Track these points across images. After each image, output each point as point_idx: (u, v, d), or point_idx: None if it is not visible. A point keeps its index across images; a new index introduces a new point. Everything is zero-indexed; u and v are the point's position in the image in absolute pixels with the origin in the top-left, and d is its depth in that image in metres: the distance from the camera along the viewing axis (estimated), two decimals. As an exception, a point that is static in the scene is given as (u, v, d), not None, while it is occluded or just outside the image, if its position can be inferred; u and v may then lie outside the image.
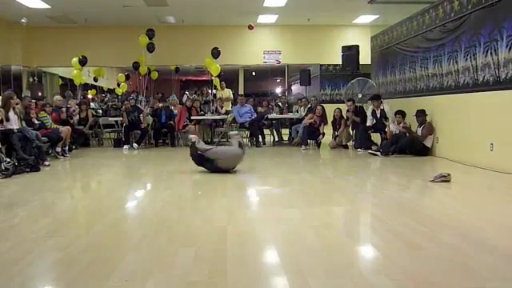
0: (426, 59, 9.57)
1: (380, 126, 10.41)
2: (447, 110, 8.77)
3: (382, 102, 10.57)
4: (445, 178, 6.07)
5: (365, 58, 13.00)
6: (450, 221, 4.20)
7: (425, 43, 9.61)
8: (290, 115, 12.72)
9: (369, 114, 10.76)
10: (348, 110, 11.34)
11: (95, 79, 18.89)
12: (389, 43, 11.69)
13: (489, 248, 3.38)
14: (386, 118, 10.26)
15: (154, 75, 17.76)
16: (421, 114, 9.20)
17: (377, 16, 14.22)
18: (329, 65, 16.51)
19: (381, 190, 6.01)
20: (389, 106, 10.54)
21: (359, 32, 15.31)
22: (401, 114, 9.64)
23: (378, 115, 10.49)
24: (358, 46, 12.63)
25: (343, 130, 11.31)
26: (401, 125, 9.49)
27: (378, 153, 9.32)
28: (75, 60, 14.00)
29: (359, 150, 10.36)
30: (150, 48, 14.00)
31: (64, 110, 11.32)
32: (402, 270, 2.92)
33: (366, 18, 14.67)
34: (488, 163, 7.26)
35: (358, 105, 11.55)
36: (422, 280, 2.77)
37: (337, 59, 14.18)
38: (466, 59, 8.02)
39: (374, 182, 6.92)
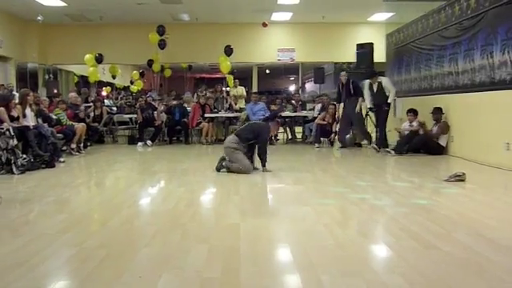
0: (441, 57, 9.49)
1: (378, 101, 10.01)
2: (463, 108, 8.69)
3: (377, 77, 10.16)
4: (459, 178, 6.02)
5: (379, 55, 12.92)
6: (464, 220, 4.16)
7: (441, 41, 9.53)
8: (304, 113, 12.69)
9: (366, 91, 10.31)
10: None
11: (113, 77, 19.00)
12: (404, 41, 11.62)
13: (503, 248, 3.35)
14: (385, 94, 9.89)
15: (168, 73, 17.83)
16: (437, 112, 9.13)
17: (392, 14, 14.11)
18: (343, 63, 16.42)
19: (394, 188, 5.97)
20: (387, 79, 10.31)
21: (374, 30, 15.19)
22: (412, 112, 9.59)
23: (375, 89, 10.04)
24: (372, 44, 12.56)
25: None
26: (413, 123, 9.44)
27: (392, 151, 9.26)
28: (88, 57, 14.09)
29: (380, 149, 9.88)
30: (162, 45, 14.03)
31: (82, 108, 11.39)
32: (415, 269, 2.91)
33: (381, 16, 14.56)
34: (504, 162, 7.17)
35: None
36: (435, 279, 2.75)
37: (351, 57, 14.12)
38: (483, 57, 7.93)
39: (388, 180, 6.88)
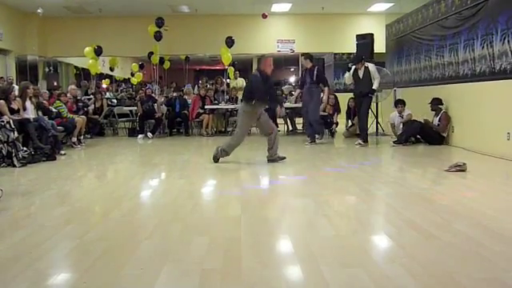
0: (441, 47, 9.45)
1: (362, 89, 9.27)
2: (463, 98, 8.66)
3: (364, 63, 9.40)
4: (460, 168, 6.01)
5: (379, 46, 12.87)
6: (465, 210, 4.17)
7: (440, 31, 9.49)
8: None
9: (348, 76, 9.61)
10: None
11: (111, 69, 18.97)
12: (404, 31, 11.57)
13: (505, 238, 3.36)
14: (370, 81, 9.16)
15: (167, 65, 17.80)
16: (436, 102, 9.11)
17: (392, 4, 14.07)
18: (343, 53, 16.38)
19: (395, 179, 5.98)
20: (374, 66, 9.53)
21: (374, 20, 15.15)
22: (401, 103, 9.71)
23: (361, 75, 9.28)
24: (372, 35, 12.50)
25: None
26: (402, 113, 9.54)
27: (392, 142, 9.28)
28: (88, 49, 14.08)
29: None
30: (158, 37, 14.00)
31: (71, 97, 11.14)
32: (416, 260, 2.91)
33: (381, 6, 14.52)
34: (505, 152, 7.17)
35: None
36: (436, 270, 2.76)
37: (351, 48, 14.06)
38: (483, 47, 7.90)
39: (388, 170, 6.88)
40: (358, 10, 15.08)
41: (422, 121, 9.19)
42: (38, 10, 13.29)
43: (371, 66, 9.38)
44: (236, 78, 14.42)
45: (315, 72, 9.49)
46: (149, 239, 3.43)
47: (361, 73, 9.29)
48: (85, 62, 15.37)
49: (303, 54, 10.05)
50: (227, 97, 13.18)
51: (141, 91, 12.62)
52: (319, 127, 9.91)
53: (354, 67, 9.51)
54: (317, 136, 9.75)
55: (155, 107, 11.84)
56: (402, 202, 4.53)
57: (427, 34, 10.14)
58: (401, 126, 9.60)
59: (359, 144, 9.18)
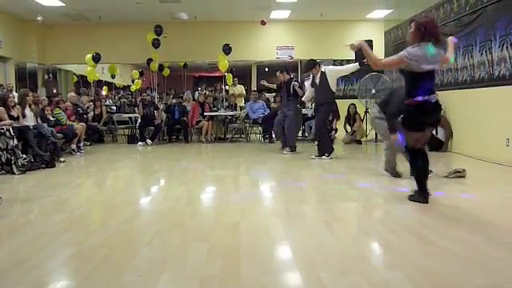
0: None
1: (320, 98, 8.38)
2: (462, 104, 8.68)
3: (319, 68, 8.47)
4: (459, 174, 6.02)
5: (378, 52, 12.86)
6: (464, 217, 4.16)
7: (439, 38, 9.50)
8: (303, 111, 12.66)
9: (307, 84, 9.04)
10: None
11: (113, 76, 19.00)
12: (403, 38, 11.59)
13: (505, 245, 3.35)
14: (329, 87, 8.27)
15: (166, 72, 17.82)
16: None
17: (391, 10, 14.09)
18: (342, 60, 16.38)
19: (394, 185, 5.97)
20: (331, 67, 9.02)
21: (373, 27, 15.17)
22: None
23: (318, 81, 8.34)
24: (371, 41, 12.48)
25: (359, 126, 11.28)
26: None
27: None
28: (89, 57, 14.12)
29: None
30: (156, 44, 14.05)
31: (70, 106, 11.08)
32: (416, 266, 2.91)
33: (380, 13, 14.54)
34: (504, 159, 7.18)
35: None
36: (435, 276, 2.75)
37: (350, 54, 14.01)
38: (482, 53, 7.93)
39: (387, 177, 6.87)
40: (357, 16, 15.11)
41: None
42: (38, 18, 13.31)
43: (328, 70, 8.52)
44: (235, 85, 14.44)
45: (291, 84, 9.32)
46: (148, 246, 3.42)
47: (317, 80, 8.37)
48: (84, 69, 15.40)
49: (278, 69, 9.62)
50: (226, 103, 13.20)
51: (144, 94, 12.65)
52: (292, 139, 9.38)
53: (311, 76, 8.65)
54: (286, 149, 9.21)
55: (155, 114, 11.84)
56: (401, 209, 4.52)
57: (426, 40, 10.15)
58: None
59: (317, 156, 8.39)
